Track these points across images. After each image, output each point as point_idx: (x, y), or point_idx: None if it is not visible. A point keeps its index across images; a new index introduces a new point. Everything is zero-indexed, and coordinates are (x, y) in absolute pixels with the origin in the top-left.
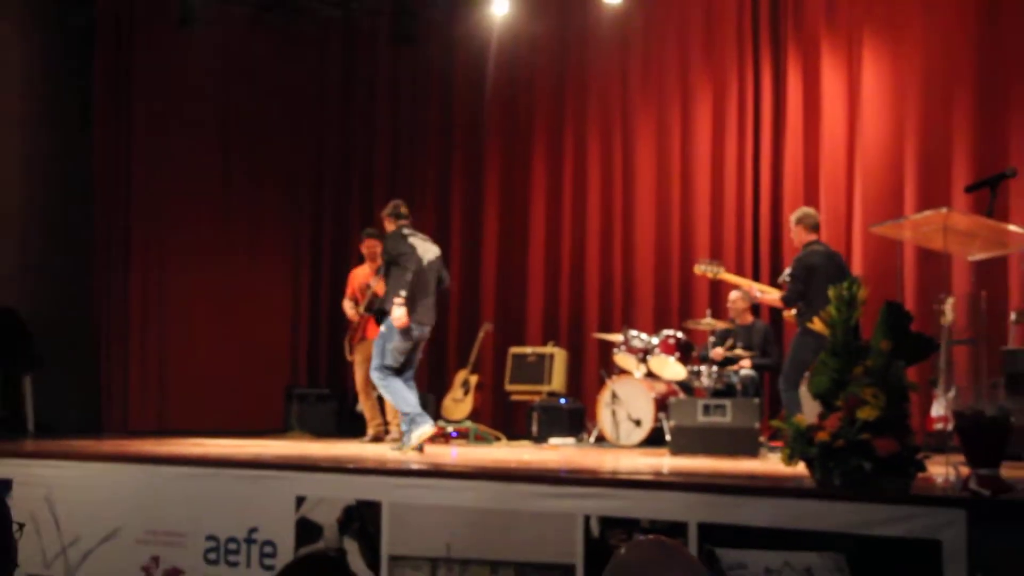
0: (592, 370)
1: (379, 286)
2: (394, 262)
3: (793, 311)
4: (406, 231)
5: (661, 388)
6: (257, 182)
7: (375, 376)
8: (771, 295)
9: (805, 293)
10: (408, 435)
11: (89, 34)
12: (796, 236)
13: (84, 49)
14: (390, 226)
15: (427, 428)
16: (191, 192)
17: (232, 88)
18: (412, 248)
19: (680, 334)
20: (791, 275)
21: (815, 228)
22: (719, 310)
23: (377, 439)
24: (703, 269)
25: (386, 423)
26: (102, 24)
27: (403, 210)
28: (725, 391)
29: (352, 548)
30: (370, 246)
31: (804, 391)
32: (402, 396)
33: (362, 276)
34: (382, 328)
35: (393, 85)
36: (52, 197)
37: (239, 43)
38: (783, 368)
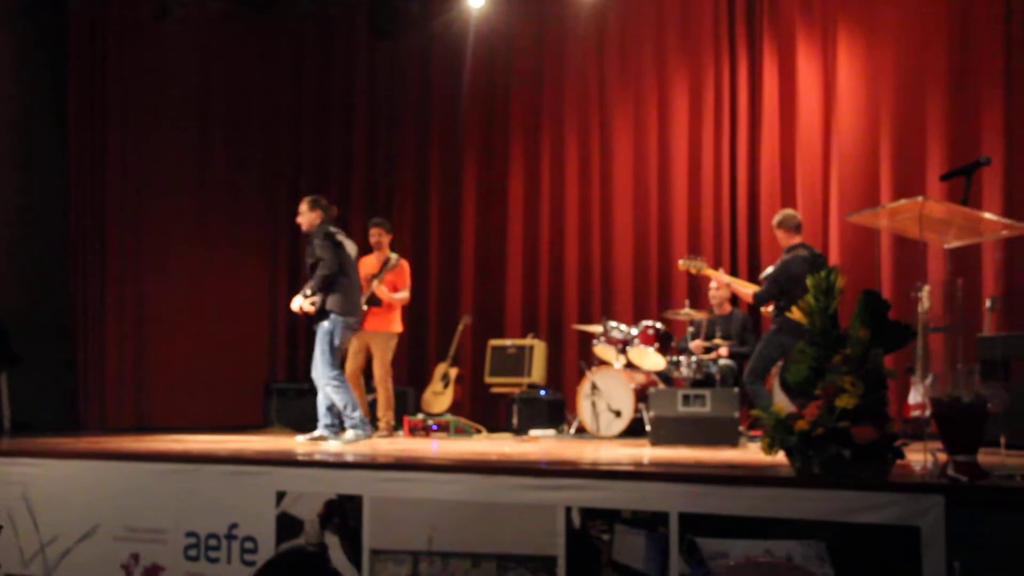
0: (572, 361)
1: (379, 289)
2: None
3: (770, 307)
4: (332, 228)
5: (641, 379)
6: (234, 178)
7: (331, 377)
8: (745, 290)
9: (779, 297)
10: (347, 433)
11: (63, 32)
12: (780, 238)
13: (58, 47)
14: (315, 218)
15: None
16: (168, 190)
17: (209, 84)
18: (338, 247)
19: (659, 325)
20: (771, 277)
21: (798, 229)
22: (697, 301)
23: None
24: (686, 265)
25: (375, 418)
26: (75, 22)
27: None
28: (704, 381)
29: (333, 543)
30: (375, 235)
31: (774, 386)
32: (351, 399)
33: (368, 265)
34: (326, 327)
35: (370, 80)
36: (27, 194)
37: (215, 39)
38: (750, 359)
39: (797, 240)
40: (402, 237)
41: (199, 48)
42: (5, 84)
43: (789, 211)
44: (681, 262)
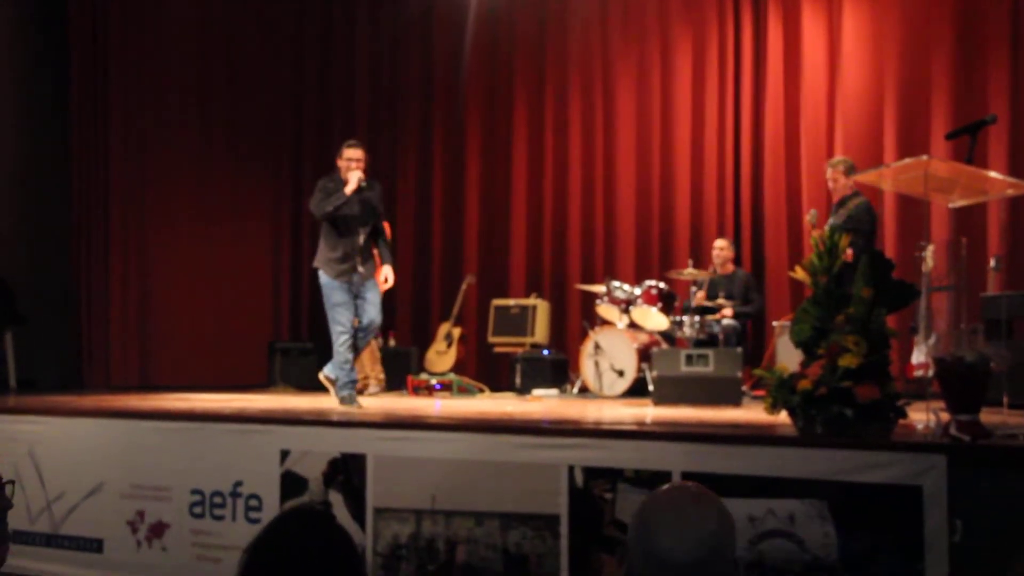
0: (575, 321)
1: None
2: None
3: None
4: None
5: (644, 338)
6: (238, 138)
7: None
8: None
9: (867, 248)
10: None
11: (63, 2)
12: (840, 184)
13: (58, 10)
14: None
15: None
16: (171, 151)
17: (210, 47)
18: None
19: (662, 284)
20: (853, 228)
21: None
22: (700, 260)
23: (360, 391)
24: (812, 218)
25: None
26: None
27: None
28: (707, 341)
29: (337, 501)
30: None
31: (786, 340)
32: None
33: None
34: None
35: (373, 42)
36: (31, 155)
37: (216, 3)
38: None
39: (854, 188)
40: (406, 198)
41: (199, 15)
42: (5, 45)
43: (845, 157)
44: (808, 217)
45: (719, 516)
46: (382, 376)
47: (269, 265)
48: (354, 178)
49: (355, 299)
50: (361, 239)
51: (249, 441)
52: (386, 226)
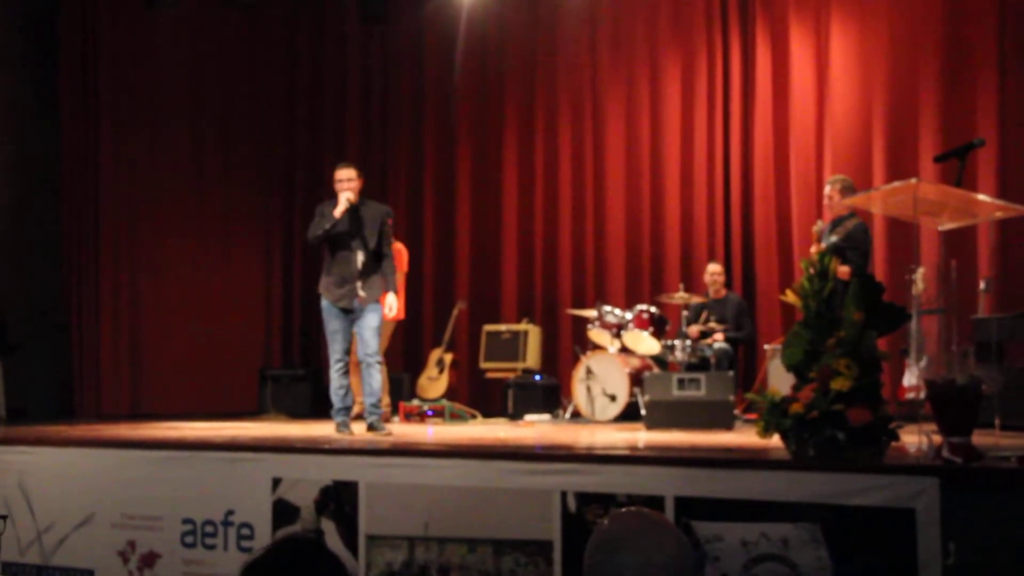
0: (566, 346)
1: None
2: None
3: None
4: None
5: (635, 363)
6: (228, 164)
7: (378, 359)
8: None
9: (864, 267)
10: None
11: (53, 19)
12: (835, 203)
13: (49, 34)
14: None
15: None
16: (162, 175)
17: (201, 73)
18: None
19: (653, 309)
20: (850, 247)
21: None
22: (691, 284)
23: (361, 417)
24: (816, 227)
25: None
26: (66, 10)
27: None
28: (699, 365)
29: (329, 529)
30: None
31: (778, 363)
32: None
33: None
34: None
35: (363, 66)
36: (20, 182)
37: (207, 25)
38: None
39: (848, 209)
40: (397, 223)
41: (190, 36)
42: None
43: (844, 176)
44: (815, 228)
45: (677, 540)
46: (387, 410)
47: (261, 291)
48: (343, 199)
49: (353, 325)
50: (358, 260)
51: (240, 470)
52: (403, 250)
